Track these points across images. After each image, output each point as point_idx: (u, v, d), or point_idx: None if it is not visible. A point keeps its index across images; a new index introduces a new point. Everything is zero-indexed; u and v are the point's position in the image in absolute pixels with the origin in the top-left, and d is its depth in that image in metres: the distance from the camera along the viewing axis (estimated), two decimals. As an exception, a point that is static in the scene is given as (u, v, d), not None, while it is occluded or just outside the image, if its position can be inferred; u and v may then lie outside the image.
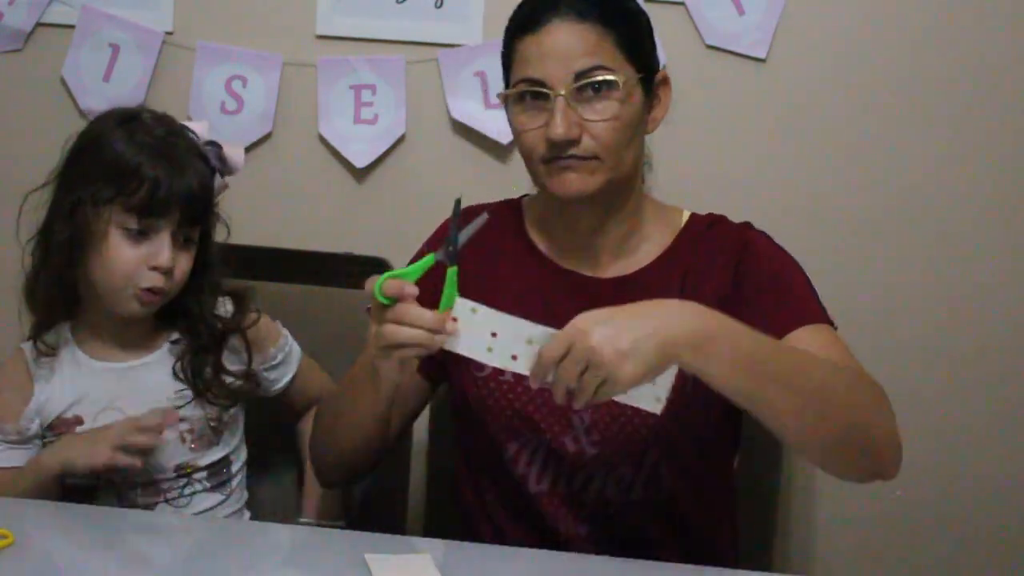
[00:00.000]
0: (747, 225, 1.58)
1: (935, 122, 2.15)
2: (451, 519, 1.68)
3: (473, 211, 1.64)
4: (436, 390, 1.66)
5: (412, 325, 1.30)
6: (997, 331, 2.19)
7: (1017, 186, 2.16)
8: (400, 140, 2.22)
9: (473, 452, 1.60)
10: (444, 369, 1.62)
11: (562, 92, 1.43)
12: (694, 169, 2.14)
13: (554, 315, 1.53)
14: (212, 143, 1.62)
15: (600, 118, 1.44)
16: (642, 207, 1.57)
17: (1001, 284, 2.18)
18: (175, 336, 1.63)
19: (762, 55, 2.15)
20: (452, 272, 1.31)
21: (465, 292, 1.55)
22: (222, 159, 1.62)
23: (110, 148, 1.54)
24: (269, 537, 1.53)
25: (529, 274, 1.57)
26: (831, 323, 1.49)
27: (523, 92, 1.46)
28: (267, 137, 2.21)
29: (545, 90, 1.44)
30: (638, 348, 1.22)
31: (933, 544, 2.22)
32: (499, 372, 1.54)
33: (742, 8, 2.14)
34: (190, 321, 1.62)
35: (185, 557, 1.44)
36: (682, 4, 2.14)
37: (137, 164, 1.52)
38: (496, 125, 2.15)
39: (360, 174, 2.25)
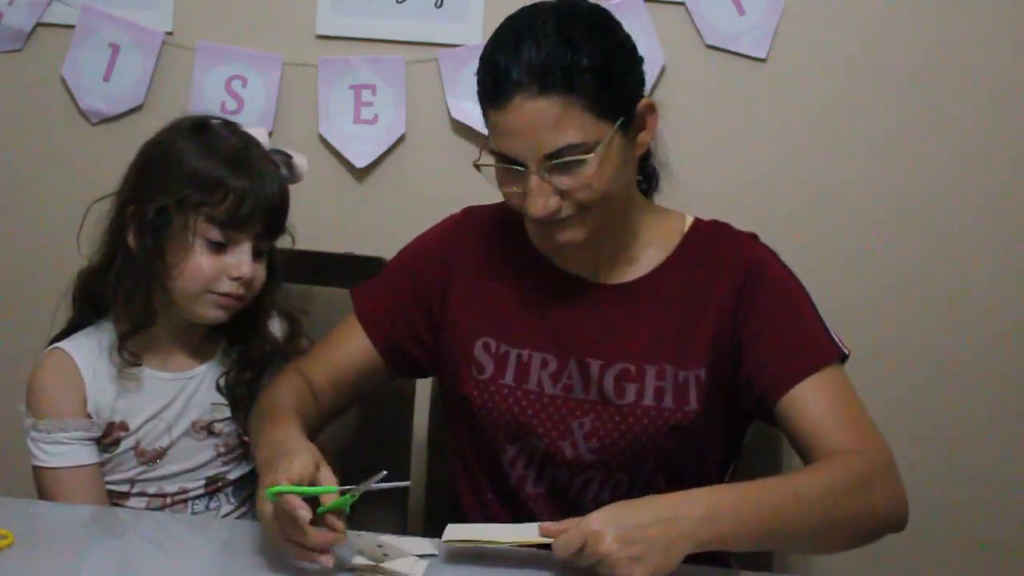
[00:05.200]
0: (753, 237, 1.57)
1: (935, 122, 2.15)
2: (451, 518, 1.68)
3: (476, 212, 1.64)
4: (397, 380, 1.68)
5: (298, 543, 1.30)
6: (997, 331, 2.19)
7: (1018, 186, 2.16)
8: (400, 140, 2.23)
9: (470, 452, 1.60)
10: (418, 366, 1.63)
11: (534, 170, 1.40)
12: (694, 169, 2.13)
13: (556, 319, 1.53)
14: (280, 151, 1.61)
15: (576, 185, 1.41)
16: (641, 215, 1.55)
17: (1001, 284, 2.18)
18: (226, 346, 1.62)
19: (762, 55, 2.15)
20: (351, 498, 1.30)
21: (462, 293, 1.55)
22: (290, 167, 1.60)
23: (189, 160, 1.51)
24: (268, 537, 1.52)
25: (530, 277, 1.56)
26: (839, 350, 1.49)
27: (499, 165, 1.44)
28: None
29: (518, 167, 1.41)
30: (649, 554, 1.27)
31: (933, 544, 2.22)
32: (500, 375, 1.54)
33: (742, 8, 2.14)
34: (249, 332, 1.61)
35: (185, 556, 1.44)
36: (682, 4, 2.14)
37: (220, 177, 1.49)
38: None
39: (360, 174, 2.25)
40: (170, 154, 1.53)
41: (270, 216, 1.54)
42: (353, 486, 1.31)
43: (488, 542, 1.35)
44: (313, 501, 1.30)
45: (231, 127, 1.58)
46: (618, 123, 1.41)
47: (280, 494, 1.28)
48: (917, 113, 2.15)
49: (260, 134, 1.60)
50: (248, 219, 1.51)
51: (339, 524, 1.31)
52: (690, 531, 1.29)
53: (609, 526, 1.27)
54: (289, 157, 1.61)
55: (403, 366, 1.64)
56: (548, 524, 1.33)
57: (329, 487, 1.31)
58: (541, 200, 1.41)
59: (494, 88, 1.40)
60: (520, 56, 1.38)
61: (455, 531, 1.37)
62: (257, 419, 1.53)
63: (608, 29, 1.44)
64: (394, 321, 1.61)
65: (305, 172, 1.63)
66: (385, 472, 1.32)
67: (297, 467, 1.31)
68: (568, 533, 1.29)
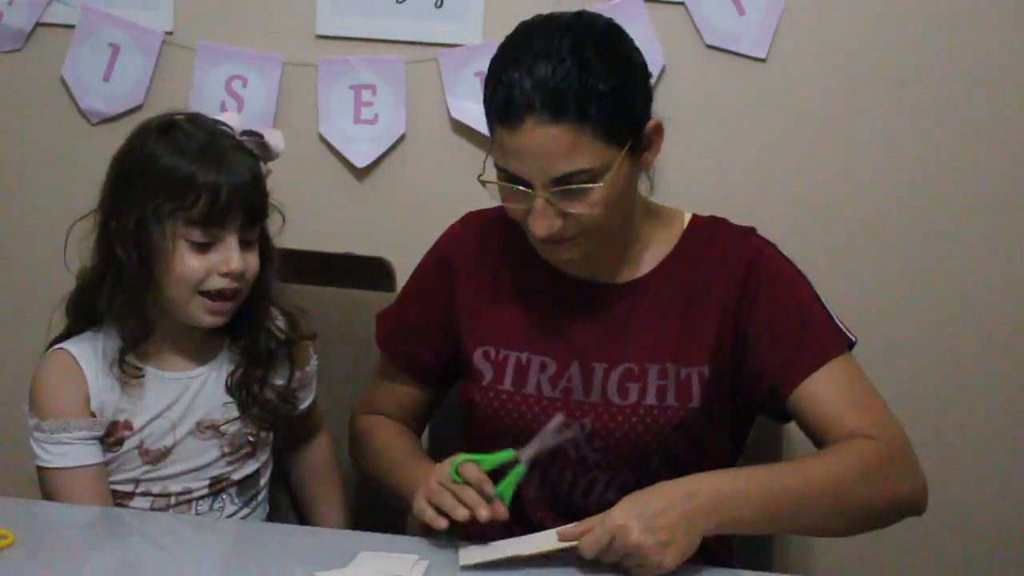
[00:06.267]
0: (752, 231, 1.57)
1: (935, 122, 2.15)
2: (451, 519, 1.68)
3: (475, 218, 1.65)
4: (447, 389, 1.68)
5: (467, 508, 1.37)
6: (997, 331, 2.19)
7: (1017, 186, 2.16)
8: (400, 140, 2.23)
9: (479, 450, 1.60)
10: (446, 377, 1.65)
11: (540, 194, 1.39)
12: (693, 169, 2.14)
13: (557, 322, 1.53)
14: (250, 132, 1.59)
15: (582, 210, 1.40)
16: (641, 217, 1.55)
17: (1000, 284, 2.18)
18: (230, 343, 1.61)
19: (762, 55, 2.15)
20: (519, 470, 1.40)
21: (467, 302, 1.55)
22: (263, 146, 1.58)
23: (159, 162, 1.50)
24: (267, 537, 1.53)
25: (530, 280, 1.56)
26: (847, 338, 1.50)
27: (503, 184, 1.43)
28: (267, 137, 2.22)
29: (524, 188, 1.40)
30: (675, 537, 1.30)
31: (933, 544, 2.22)
32: (499, 381, 1.54)
33: (742, 8, 2.14)
34: (252, 326, 1.60)
35: (184, 556, 1.44)
36: (682, 4, 2.14)
37: (191, 174, 1.48)
38: (496, 125, 2.16)
39: (360, 174, 2.25)
40: (140, 161, 1.51)
41: (248, 205, 1.52)
42: (520, 450, 1.40)
43: (509, 558, 1.35)
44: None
45: (197, 121, 1.55)
46: (627, 147, 1.41)
47: (463, 464, 1.38)
48: (917, 112, 2.15)
49: (230, 118, 1.58)
50: (226, 213, 1.49)
51: (503, 510, 1.37)
52: (706, 508, 1.32)
53: (633, 518, 1.29)
54: (261, 136, 1.59)
55: (431, 378, 1.66)
56: (566, 528, 1.34)
57: (505, 452, 1.40)
58: (545, 222, 1.41)
59: (505, 107, 1.38)
60: (534, 76, 1.36)
61: (471, 554, 1.36)
62: (378, 465, 1.62)
63: (622, 51, 1.42)
64: (413, 344, 1.63)
65: (281, 147, 1.60)
66: (559, 418, 1.43)
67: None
68: (593, 532, 1.30)
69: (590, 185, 1.38)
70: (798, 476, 1.38)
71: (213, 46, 2.21)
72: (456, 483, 1.38)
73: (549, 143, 1.36)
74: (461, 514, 1.36)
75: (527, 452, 1.40)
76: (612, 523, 1.29)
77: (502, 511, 1.36)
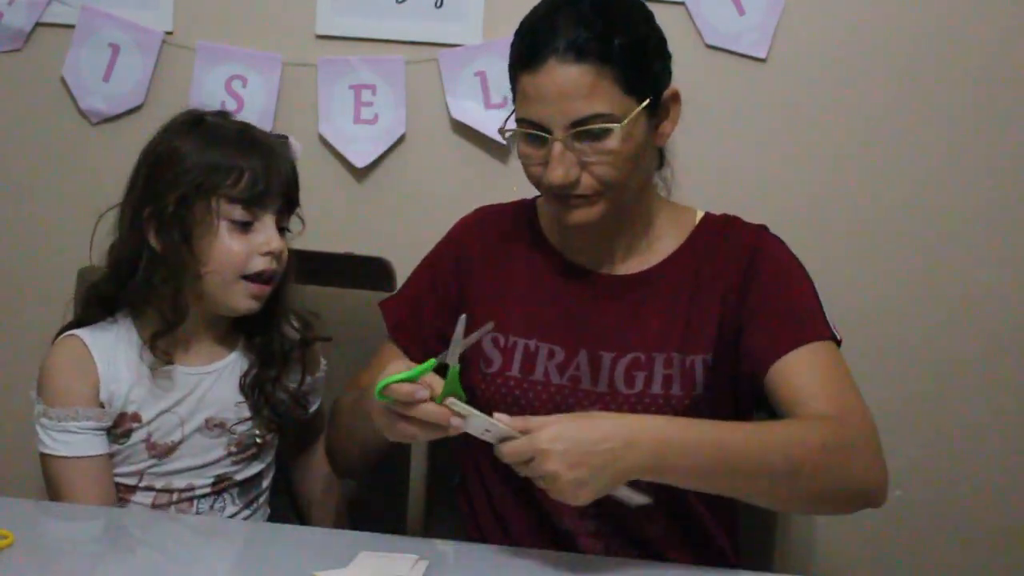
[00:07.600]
0: (763, 228, 1.59)
1: (934, 122, 2.15)
2: (451, 519, 1.68)
3: (488, 211, 1.66)
4: None
5: (422, 423, 1.33)
6: (996, 331, 2.19)
7: (1017, 187, 2.16)
8: (400, 140, 2.23)
9: (480, 451, 1.60)
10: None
11: (559, 137, 1.42)
12: (694, 169, 2.13)
13: (567, 310, 1.55)
14: (274, 134, 1.63)
15: (599, 159, 1.43)
16: (655, 208, 1.58)
17: (1000, 285, 2.18)
18: (245, 341, 1.62)
19: (762, 55, 2.15)
20: (454, 371, 1.32)
21: (478, 290, 1.55)
22: (286, 147, 1.61)
23: (195, 153, 1.52)
24: (267, 537, 1.53)
25: (542, 269, 1.58)
26: (834, 336, 1.50)
27: (524, 132, 1.47)
28: (267, 137, 2.21)
29: (543, 134, 1.44)
30: (595, 477, 1.28)
31: (933, 544, 2.22)
32: (506, 368, 1.54)
33: (742, 8, 2.14)
34: (269, 325, 1.61)
35: (184, 556, 1.44)
36: (682, 4, 2.14)
37: (232, 158, 1.51)
38: (496, 125, 2.15)
39: (360, 174, 2.25)
40: (175, 151, 1.53)
41: (287, 188, 1.55)
42: (444, 352, 1.32)
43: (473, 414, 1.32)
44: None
45: (224, 115, 1.59)
46: (645, 103, 1.44)
47: (387, 388, 1.31)
48: (917, 112, 2.15)
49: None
50: (267, 193, 1.52)
51: (460, 405, 1.32)
52: (638, 460, 1.30)
53: (559, 445, 1.27)
54: (285, 138, 1.62)
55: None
56: (506, 417, 1.31)
57: (427, 362, 1.32)
58: (562, 168, 1.43)
59: (529, 52, 1.43)
60: (557, 25, 1.42)
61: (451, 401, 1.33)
62: (351, 417, 1.58)
63: (643, 16, 1.49)
64: (423, 330, 1.63)
65: (300, 153, 1.64)
66: (490, 325, 1.37)
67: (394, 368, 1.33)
68: (518, 443, 1.29)
69: (608, 126, 1.42)
70: (753, 434, 1.37)
71: (213, 46, 2.21)
72: (394, 405, 1.32)
73: (570, 83, 1.41)
74: (418, 436, 1.34)
75: (453, 354, 1.33)
76: (537, 444, 1.28)
77: (444, 413, 1.31)
